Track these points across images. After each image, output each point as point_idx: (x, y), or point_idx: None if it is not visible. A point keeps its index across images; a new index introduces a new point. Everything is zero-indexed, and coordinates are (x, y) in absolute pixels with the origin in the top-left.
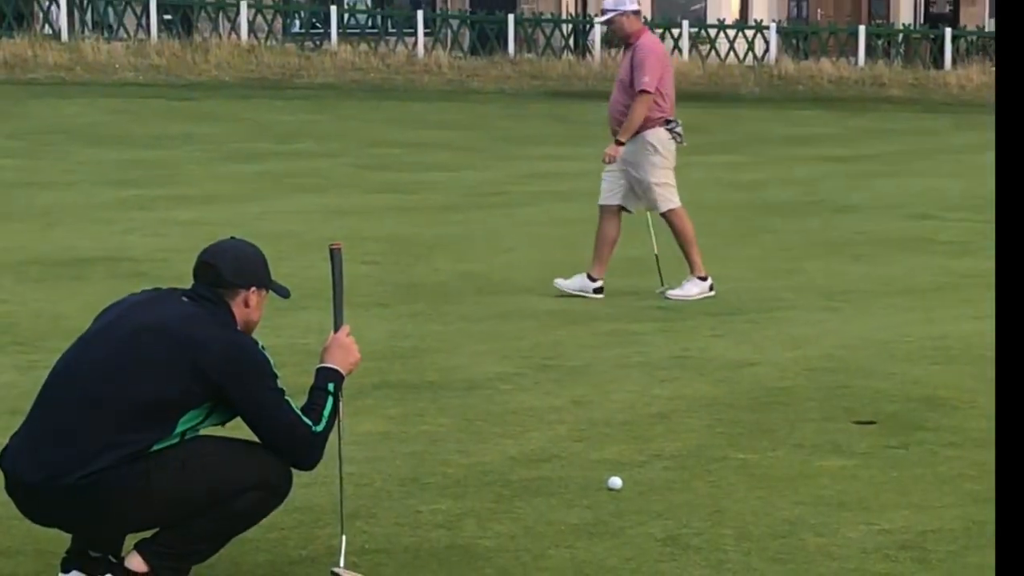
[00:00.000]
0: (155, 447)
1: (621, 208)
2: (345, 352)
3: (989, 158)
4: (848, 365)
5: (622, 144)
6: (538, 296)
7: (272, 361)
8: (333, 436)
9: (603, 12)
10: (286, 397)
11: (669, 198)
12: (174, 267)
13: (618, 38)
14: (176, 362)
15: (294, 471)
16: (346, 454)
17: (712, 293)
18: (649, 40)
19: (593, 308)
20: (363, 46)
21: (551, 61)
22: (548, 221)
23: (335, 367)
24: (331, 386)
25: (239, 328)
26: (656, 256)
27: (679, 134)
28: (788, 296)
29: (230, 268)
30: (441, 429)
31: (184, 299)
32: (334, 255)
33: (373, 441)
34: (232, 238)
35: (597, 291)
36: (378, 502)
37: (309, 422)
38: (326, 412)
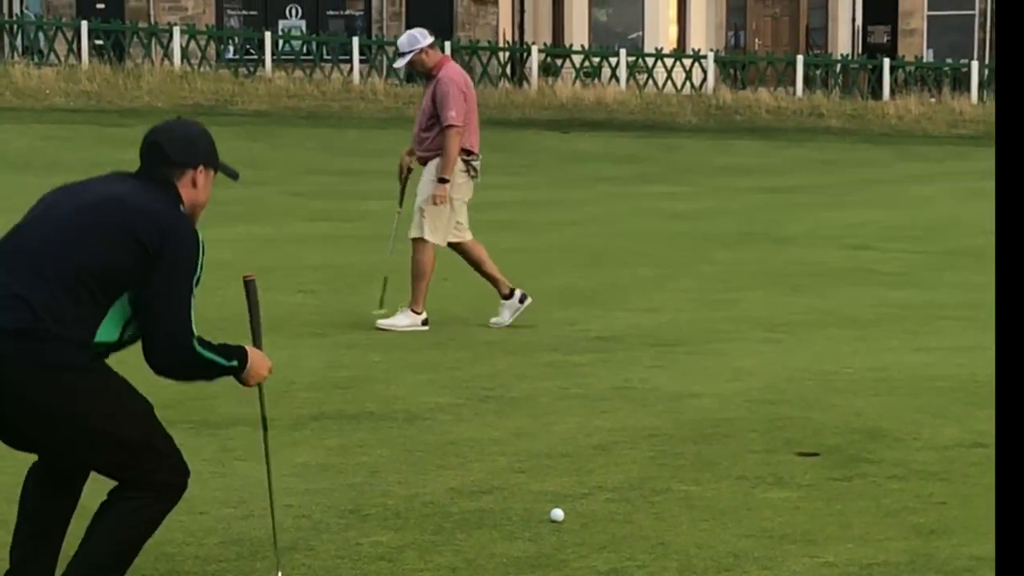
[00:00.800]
0: (99, 338)
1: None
2: (259, 359)
3: (927, 189)
4: (790, 397)
5: (446, 181)
6: (475, 326)
7: (202, 261)
8: (262, 468)
9: (400, 55)
10: (192, 300)
11: (429, 229)
12: None
13: (420, 73)
14: (126, 229)
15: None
16: (284, 485)
17: (425, 328)
18: (451, 71)
19: (531, 339)
20: (298, 72)
21: (488, 89)
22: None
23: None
24: (235, 361)
25: (187, 210)
26: (386, 279)
27: (475, 168)
28: (728, 327)
29: (177, 147)
30: (381, 460)
31: (132, 179)
32: (248, 286)
33: (312, 473)
34: (179, 118)
35: (424, 323)
36: (317, 534)
37: (195, 338)
38: (215, 356)
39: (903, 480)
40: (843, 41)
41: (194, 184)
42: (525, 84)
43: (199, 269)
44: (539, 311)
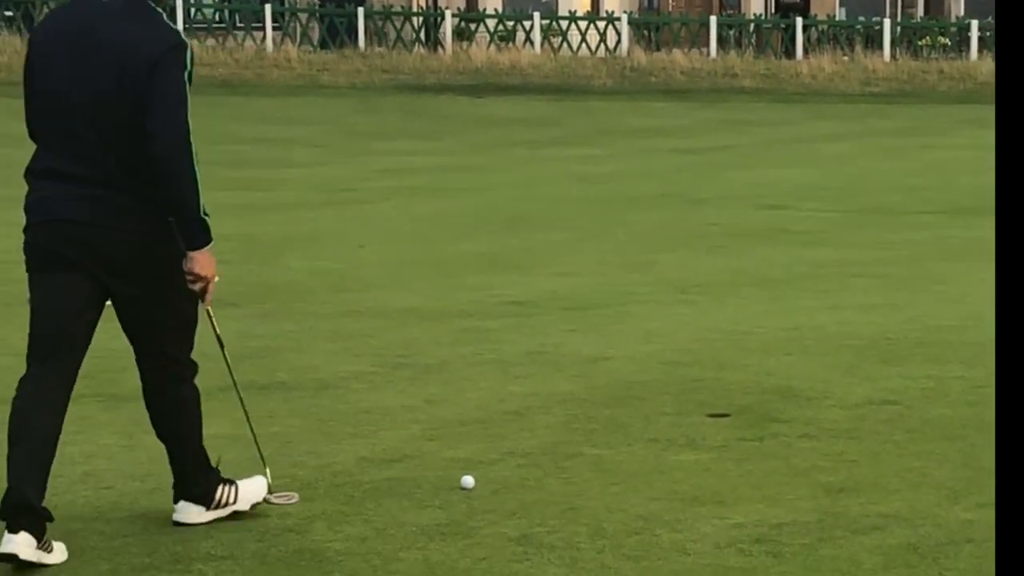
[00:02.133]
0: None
1: None
2: (212, 259)
3: (841, 148)
4: (702, 358)
5: None
6: (391, 293)
7: (191, 58)
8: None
9: None
10: (187, 96)
11: None
12: (14, 271)
13: None
14: (125, 73)
15: None
16: None
17: None
18: None
19: (446, 305)
20: (210, 41)
21: (402, 55)
22: (401, 217)
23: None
24: (207, 217)
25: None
26: None
27: None
28: (643, 290)
29: None
30: (292, 430)
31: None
32: None
33: (220, 445)
34: None
35: None
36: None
37: (190, 128)
38: (198, 175)
39: (813, 439)
40: (756, 1)
41: None
42: (439, 49)
43: (189, 64)
44: (455, 277)
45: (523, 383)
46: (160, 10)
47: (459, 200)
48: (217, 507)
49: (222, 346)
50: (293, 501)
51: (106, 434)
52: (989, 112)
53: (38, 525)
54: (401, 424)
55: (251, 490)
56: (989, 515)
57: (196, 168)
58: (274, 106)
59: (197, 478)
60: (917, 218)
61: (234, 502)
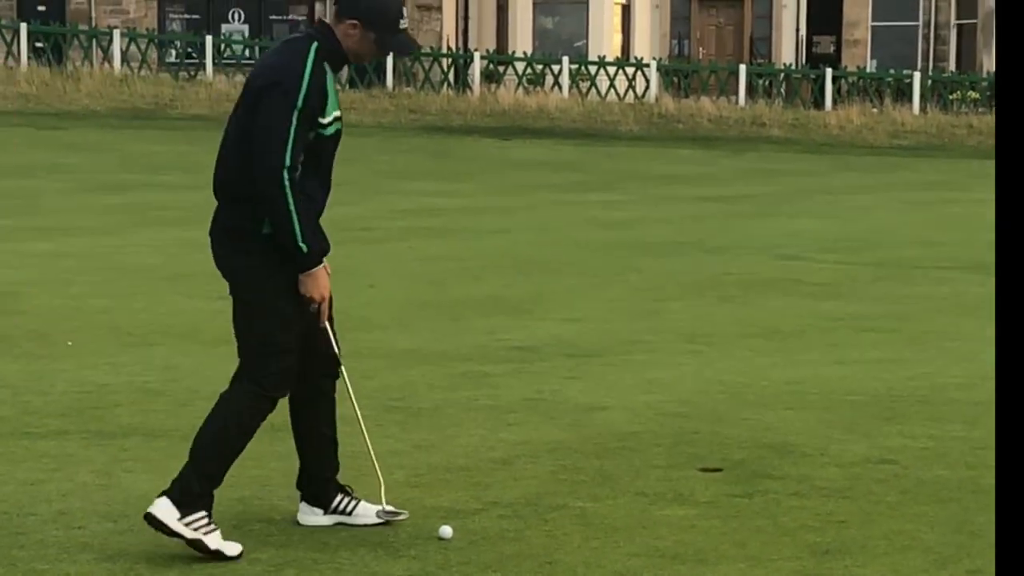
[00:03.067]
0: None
1: None
2: (324, 279)
3: (865, 200)
4: (701, 410)
5: None
6: (394, 334)
7: (302, 95)
8: (148, 480)
9: None
10: (291, 127)
11: None
12: (26, 300)
13: None
14: (248, 95)
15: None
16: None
17: None
18: None
19: (448, 348)
20: (239, 76)
21: (430, 95)
22: (415, 257)
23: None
24: (306, 246)
25: (349, 55)
26: None
27: None
28: (649, 338)
29: (343, 2)
30: (272, 473)
31: (293, 35)
32: None
33: None
34: None
35: None
36: (195, 552)
37: (287, 168)
38: (294, 213)
39: (804, 497)
40: (787, 51)
41: (347, 34)
42: (467, 91)
43: (299, 103)
44: (461, 320)
45: (515, 431)
46: (308, 45)
47: (475, 242)
48: (188, 526)
49: (339, 363)
50: (402, 518)
51: (84, 472)
52: None
53: None
54: (385, 469)
55: (223, 543)
56: None
57: (290, 201)
58: None
59: (184, 475)
60: (935, 273)
61: (203, 534)
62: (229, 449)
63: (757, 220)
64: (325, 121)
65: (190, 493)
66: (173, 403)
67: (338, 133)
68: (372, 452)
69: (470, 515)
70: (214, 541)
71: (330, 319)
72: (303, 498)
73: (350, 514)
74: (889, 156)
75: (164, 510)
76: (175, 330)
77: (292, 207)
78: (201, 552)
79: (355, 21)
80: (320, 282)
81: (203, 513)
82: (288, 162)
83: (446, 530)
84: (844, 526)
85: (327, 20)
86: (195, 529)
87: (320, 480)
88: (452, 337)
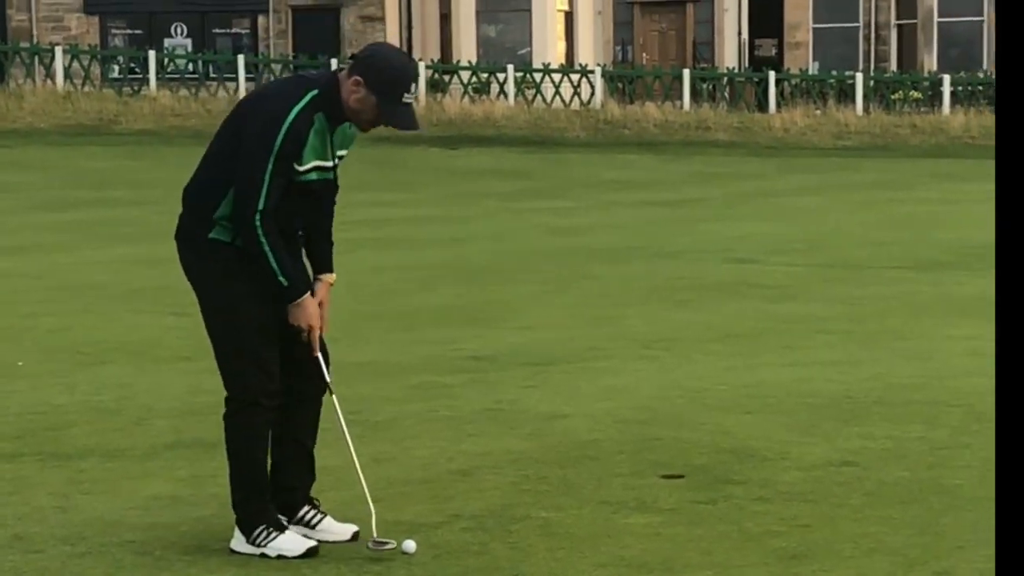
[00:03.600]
0: (220, 212)
1: None
2: (311, 308)
3: (812, 201)
4: (660, 416)
5: None
6: (347, 347)
7: (279, 142)
8: (107, 502)
9: None
10: (265, 176)
11: None
12: None
13: None
14: (235, 116)
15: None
16: (127, 520)
17: None
18: None
19: (403, 359)
20: (183, 91)
21: None
22: (362, 269)
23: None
24: (286, 280)
25: (348, 112)
26: None
27: None
28: (606, 344)
29: (358, 56)
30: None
31: (301, 75)
32: None
33: (159, 506)
34: (401, 51)
35: None
36: (156, 572)
37: (259, 214)
38: (269, 253)
39: (767, 502)
40: (729, 55)
41: (350, 89)
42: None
43: (275, 146)
44: (415, 330)
45: (475, 442)
46: (305, 93)
47: (427, 252)
48: (253, 543)
49: (331, 392)
50: (389, 547)
51: (41, 495)
52: (960, 166)
53: None
54: (345, 485)
55: (287, 543)
56: None
57: (264, 243)
58: None
59: (233, 500)
60: (885, 273)
61: (265, 546)
62: (250, 465)
63: (707, 224)
64: (300, 168)
65: (246, 515)
66: (128, 422)
67: (325, 182)
68: (364, 482)
69: (433, 528)
70: (273, 549)
71: (323, 348)
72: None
73: (313, 527)
74: (834, 157)
75: (237, 540)
76: (128, 347)
77: (267, 248)
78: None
79: (361, 80)
80: (307, 311)
81: (262, 527)
82: (261, 207)
83: (409, 544)
84: (809, 530)
85: (346, 69)
86: (259, 544)
87: (288, 489)
88: (406, 348)
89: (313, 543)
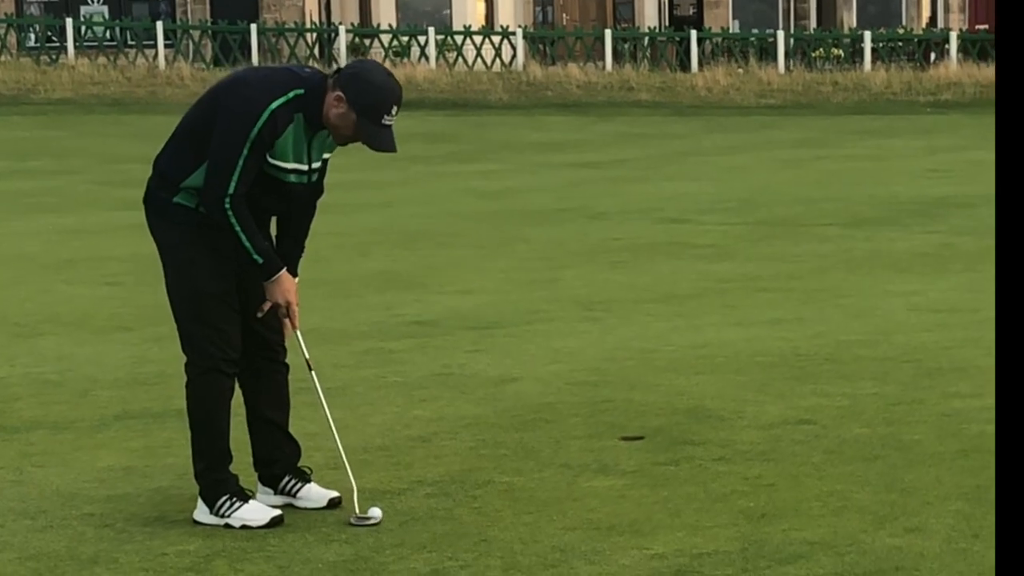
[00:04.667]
0: (187, 182)
1: None
2: (288, 283)
3: (738, 160)
4: (611, 378)
5: None
6: None
7: (258, 127)
8: (62, 475)
9: None
10: (240, 160)
11: None
12: None
13: None
14: (213, 93)
15: None
16: (85, 492)
17: None
18: None
19: (347, 325)
20: (102, 59)
21: None
22: None
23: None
24: (260, 259)
25: (326, 124)
26: None
27: None
28: (547, 307)
29: (346, 70)
30: (188, 461)
31: (290, 68)
32: None
33: (114, 478)
34: (387, 72)
35: None
36: (120, 545)
37: (229, 197)
38: (241, 232)
39: (729, 462)
40: (650, 14)
41: (331, 103)
42: (334, 64)
43: (252, 133)
44: (355, 296)
45: (428, 407)
46: (288, 91)
47: (356, 217)
48: (217, 514)
49: (310, 369)
50: (372, 522)
51: None
52: (883, 122)
53: None
54: (304, 453)
55: (251, 512)
56: (917, 541)
57: (236, 224)
58: (167, 124)
59: (194, 470)
60: (819, 230)
61: (230, 515)
62: (210, 430)
63: (635, 184)
64: (275, 162)
65: (207, 486)
66: (73, 394)
67: (303, 186)
68: (345, 458)
69: (396, 495)
70: (237, 519)
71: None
72: (258, 477)
73: (295, 496)
74: (757, 116)
75: (200, 510)
76: (64, 319)
77: (239, 229)
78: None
79: (343, 96)
80: (283, 287)
81: (225, 496)
82: (232, 190)
83: (375, 511)
84: (774, 489)
85: (332, 77)
86: (223, 515)
87: (267, 461)
88: (348, 314)
89: (278, 512)
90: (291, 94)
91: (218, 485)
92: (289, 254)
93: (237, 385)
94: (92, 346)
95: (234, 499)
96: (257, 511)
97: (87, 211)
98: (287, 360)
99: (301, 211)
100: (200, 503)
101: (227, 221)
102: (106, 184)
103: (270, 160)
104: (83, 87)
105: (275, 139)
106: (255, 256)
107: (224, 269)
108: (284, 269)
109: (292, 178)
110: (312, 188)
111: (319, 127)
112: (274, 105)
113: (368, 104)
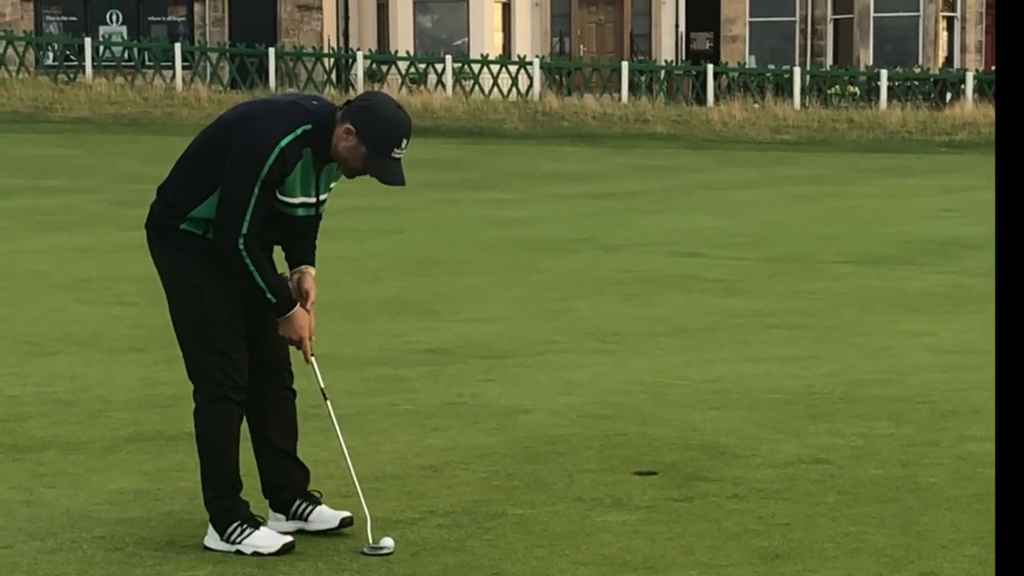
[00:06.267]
0: (194, 213)
1: None
2: (301, 318)
3: (752, 195)
4: (624, 411)
5: None
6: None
7: (269, 166)
8: (73, 496)
9: None
10: (252, 199)
11: None
12: None
13: None
14: (223, 124)
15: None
16: (96, 515)
17: None
18: None
19: (359, 352)
20: (119, 79)
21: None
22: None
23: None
24: (272, 297)
25: (336, 157)
26: None
27: None
28: (559, 338)
29: (355, 103)
30: (200, 486)
31: (298, 102)
32: None
33: (126, 500)
34: (397, 105)
35: None
36: (129, 569)
37: (243, 237)
38: (255, 272)
39: (744, 500)
40: (667, 48)
41: (341, 136)
42: (351, 90)
43: (263, 172)
44: (367, 322)
45: (440, 436)
46: (298, 126)
47: (370, 243)
48: (228, 540)
49: (325, 398)
50: (385, 552)
51: (3, 488)
52: (898, 161)
53: None
54: (315, 480)
55: (262, 539)
56: None
57: (250, 263)
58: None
59: (204, 496)
60: (832, 267)
61: (240, 543)
62: (219, 458)
63: (649, 217)
64: (284, 198)
65: (218, 513)
66: (85, 414)
67: (310, 218)
68: (359, 487)
69: (408, 525)
70: (248, 546)
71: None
72: (269, 504)
73: (307, 519)
74: (772, 151)
75: (211, 537)
76: (76, 338)
77: (253, 268)
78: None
79: (353, 129)
80: (295, 323)
81: (236, 523)
82: (246, 230)
83: (387, 541)
84: (789, 529)
85: (342, 110)
86: (233, 541)
87: (275, 487)
88: (360, 340)
89: (289, 539)
90: (299, 130)
91: (228, 512)
92: (302, 249)
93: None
94: (104, 366)
95: (245, 526)
96: (268, 538)
97: (101, 230)
98: (294, 386)
99: (306, 237)
100: (211, 529)
101: (242, 262)
102: (121, 204)
103: (279, 196)
104: (100, 106)
105: (285, 176)
106: (268, 296)
107: (230, 295)
108: (297, 305)
109: (300, 212)
110: (318, 218)
111: (327, 160)
112: (284, 143)
113: (378, 137)
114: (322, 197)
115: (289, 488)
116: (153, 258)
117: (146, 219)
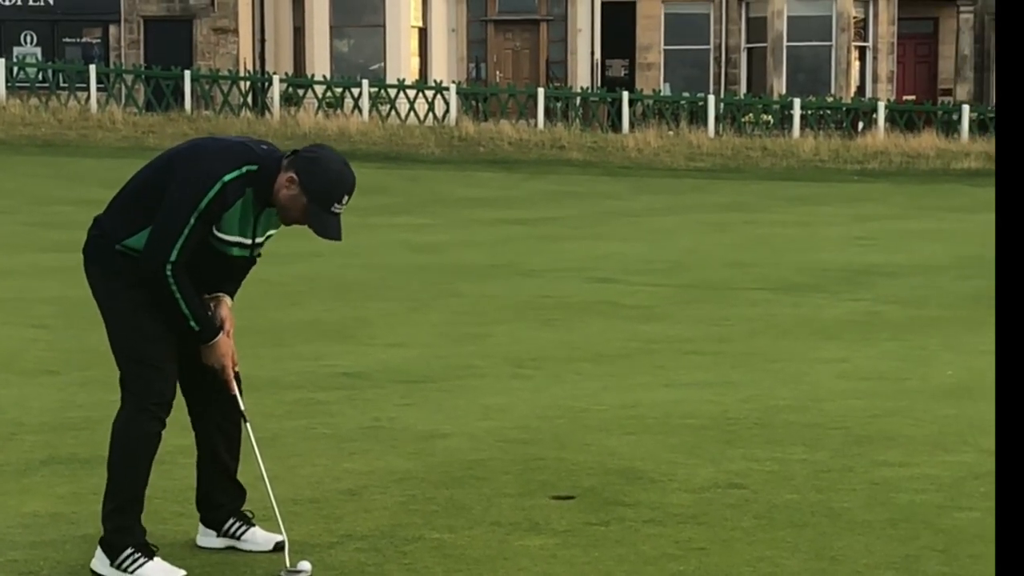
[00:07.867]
0: (128, 241)
1: None
2: (224, 348)
3: (668, 221)
4: (542, 436)
5: None
6: None
7: (208, 199)
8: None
9: None
10: (186, 230)
11: None
12: None
13: None
14: (167, 157)
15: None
16: (10, 538)
17: None
18: None
19: (277, 375)
20: (33, 100)
21: (229, 118)
22: None
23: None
24: (197, 326)
25: (275, 203)
26: None
27: None
28: (478, 363)
29: (303, 153)
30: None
31: (246, 143)
32: None
33: (41, 524)
34: (344, 162)
35: None
36: None
37: (171, 265)
38: (181, 300)
39: (660, 524)
40: (582, 74)
41: (283, 183)
42: (267, 114)
43: (202, 204)
44: (285, 345)
45: (358, 460)
46: (242, 165)
47: (286, 266)
48: (118, 567)
49: (245, 421)
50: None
51: None
52: (811, 189)
53: None
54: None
55: (155, 572)
56: None
57: (175, 291)
58: (98, 168)
59: (103, 513)
60: (747, 294)
61: (133, 571)
62: (128, 471)
63: (565, 243)
64: (220, 235)
65: (112, 531)
66: None
67: (245, 259)
68: (277, 510)
69: (326, 549)
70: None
71: (237, 377)
72: (200, 519)
73: (239, 539)
74: (687, 178)
75: (99, 561)
76: (12, 367)
77: (179, 294)
78: None
79: (296, 178)
80: (217, 351)
81: (129, 550)
82: (174, 258)
83: (304, 565)
84: (705, 553)
85: (288, 158)
86: (124, 569)
87: (215, 507)
88: (278, 363)
89: (182, 573)
90: (244, 169)
91: (123, 533)
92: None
93: (191, 427)
94: (18, 388)
95: (138, 555)
96: (160, 571)
97: (15, 252)
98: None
99: (237, 279)
100: (100, 552)
101: (167, 287)
102: (35, 225)
103: (215, 232)
104: (14, 128)
105: (223, 211)
106: (192, 323)
107: (165, 313)
108: (221, 333)
109: (235, 251)
110: (252, 260)
111: (267, 204)
112: (227, 178)
113: (320, 189)
114: (258, 240)
115: (225, 507)
116: (89, 280)
117: (83, 246)
